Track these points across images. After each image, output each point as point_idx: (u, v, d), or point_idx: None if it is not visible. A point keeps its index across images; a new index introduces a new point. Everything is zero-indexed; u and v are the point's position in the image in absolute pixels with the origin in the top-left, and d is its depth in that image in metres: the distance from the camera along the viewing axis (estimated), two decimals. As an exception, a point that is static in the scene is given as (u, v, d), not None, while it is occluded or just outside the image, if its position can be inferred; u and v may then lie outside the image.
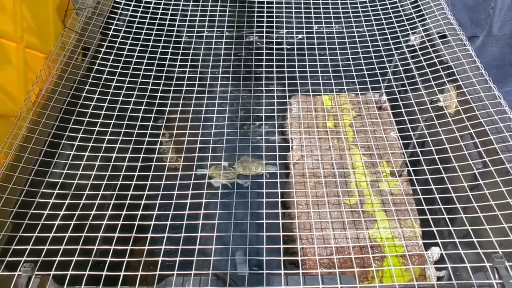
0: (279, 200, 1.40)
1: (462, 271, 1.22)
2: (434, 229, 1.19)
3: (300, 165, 1.81)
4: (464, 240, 1.16)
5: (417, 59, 1.68)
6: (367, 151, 1.82)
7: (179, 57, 1.74)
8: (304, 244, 1.57)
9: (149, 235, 1.17)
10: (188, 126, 1.54)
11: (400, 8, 1.88)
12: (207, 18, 1.97)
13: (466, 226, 1.18)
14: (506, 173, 1.23)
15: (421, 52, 1.71)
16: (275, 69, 1.79)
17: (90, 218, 1.20)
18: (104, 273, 1.06)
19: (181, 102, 1.59)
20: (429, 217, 1.23)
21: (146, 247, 1.13)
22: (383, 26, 1.87)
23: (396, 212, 1.62)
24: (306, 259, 1.54)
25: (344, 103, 2.05)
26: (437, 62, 1.60)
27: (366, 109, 1.96)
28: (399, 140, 1.83)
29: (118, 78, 1.61)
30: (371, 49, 1.80)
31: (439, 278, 1.50)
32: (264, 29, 1.95)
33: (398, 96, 1.64)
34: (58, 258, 1.09)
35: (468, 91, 1.46)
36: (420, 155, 1.42)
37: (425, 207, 1.26)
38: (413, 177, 1.42)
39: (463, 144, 1.36)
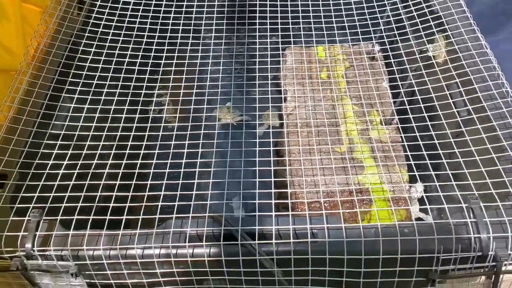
0: (271, 149, 1.47)
1: (445, 213, 1.30)
2: (417, 173, 1.27)
3: (293, 116, 1.86)
4: (446, 183, 1.23)
5: (408, 9, 1.70)
6: (358, 101, 1.87)
7: (173, 9, 1.76)
8: (295, 189, 1.66)
9: (149, 182, 1.24)
10: (184, 79, 1.59)
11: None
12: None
13: (447, 171, 1.24)
14: (488, 120, 1.29)
15: (412, 1, 1.73)
16: (268, 21, 1.82)
17: (92, 167, 1.27)
18: (108, 217, 1.13)
19: (176, 54, 1.63)
20: (412, 162, 1.30)
21: (146, 193, 1.20)
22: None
23: (384, 159, 1.69)
24: (297, 202, 1.62)
25: (337, 54, 2.08)
26: (427, 12, 1.63)
27: (359, 60, 2.00)
28: (389, 90, 1.88)
29: (113, 31, 1.64)
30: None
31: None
32: None
33: (388, 46, 1.68)
34: (63, 204, 1.16)
35: (456, 41, 1.50)
36: (407, 104, 1.47)
37: (409, 153, 1.33)
38: (399, 125, 1.48)
39: (449, 93, 1.42)
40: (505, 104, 1.30)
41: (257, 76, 1.67)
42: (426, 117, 1.38)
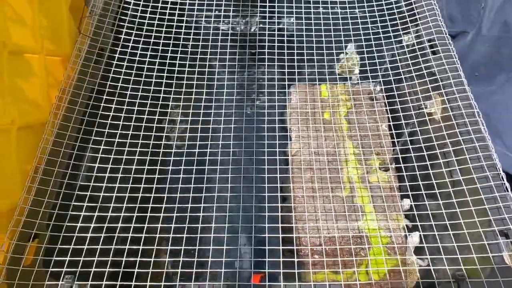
0: (278, 194, 1.61)
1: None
2: (419, 223, 1.41)
3: (297, 158, 1.98)
4: (435, 257, 1.37)
5: (407, 69, 1.81)
6: (359, 144, 1.99)
7: (187, 62, 1.87)
8: (300, 234, 1.79)
9: (168, 247, 1.37)
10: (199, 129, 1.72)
11: (396, 10, 1.98)
12: (213, 13, 2.09)
13: (437, 243, 1.38)
14: (477, 193, 1.41)
15: (410, 55, 1.84)
16: (276, 57, 1.95)
17: (117, 230, 1.40)
18: (133, 283, 1.27)
19: (191, 111, 1.75)
20: (413, 212, 1.43)
21: (167, 259, 1.33)
22: (376, 24, 2.00)
23: (383, 205, 1.82)
24: (301, 248, 1.76)
25: (340, 94, 2.19)
26: (425, 74, 1.74)
27: (360, 100, 2.12)
28: (389, 132, 2.00)
29: (132, 86, 1.75)
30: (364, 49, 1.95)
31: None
32: (267, 20, 2.08)
33: (385, 101, 1.81)
34: (93, 269, 1.30)
35: (451, 106, 1.61)
36: (398, 158, 1.60)
37: (412, 203, 1.46)
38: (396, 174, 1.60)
39: (442, 162, 1.54)
40: (493, 177, 1.42)
41: (265, 113, 1.80)
42: (421, 185, 1.51)
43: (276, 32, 2.04)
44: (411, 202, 1.73)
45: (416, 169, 1.56)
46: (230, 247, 1.40)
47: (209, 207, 1.49)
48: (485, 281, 1.22)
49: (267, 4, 2.11)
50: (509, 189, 1.37)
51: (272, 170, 1.63)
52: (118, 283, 1.27)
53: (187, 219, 1.43)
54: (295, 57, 2.00)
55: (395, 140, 1.86)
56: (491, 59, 2.04)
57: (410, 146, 1.63)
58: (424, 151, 1.57)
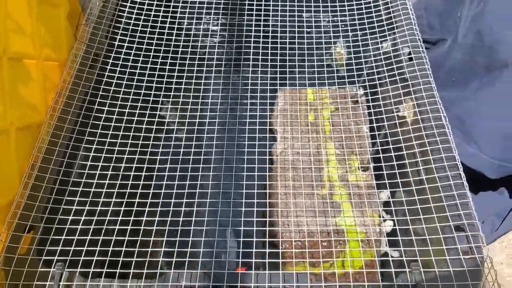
0: (255, 191, 1.73)
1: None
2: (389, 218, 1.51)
3: (282, 158, 2.10)
4: (396, 249, 1.49)
5: (382, 75, 1.92)
6: (340, 145, 2.11)
7: (177, 67, 2.00)
8: (282, 230, 1.91)
9: (152, 238, 1.49)
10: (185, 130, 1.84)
11: (375, 19, 2.09)
12: (203, 21, 2.21)
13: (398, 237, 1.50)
14: (437, 191, 1.52)
15: (386, 61, 1.95)
16: (260, 62, 2.07)
17: (106, 223, 1.52)
18: (118, 270, 1.39)
19: (178, 113, 1.87)
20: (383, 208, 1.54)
21: (150, 249, 1.45)
22: (356, 33, 2.11)
23: (359, 203, 1.93)
24: (280, 240, 1.88)
25: (325, 97, 2.31)
26: (399, 79, 1.85)
27: (343, 103, 2.23)
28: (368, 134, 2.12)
29: (124, 90, 1.88)
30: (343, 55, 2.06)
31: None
32: (253, 26, 2.19)
33: (360, 105, 1.92)
34: (82, 258, 1.42)
35: (420, 111, 1.72)
36: (375, 158, 1.72)
37: (378, 200, 1.58)
38: (371, 173, 1.72)
39: (409, 162, 1.65)
40: (453, 176, 1.53)
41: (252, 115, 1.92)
42: (387, 183, 1.62)
43: (261, 39, 2.15)
44: (389, 194, 1.84)
45: (384, 169, 1.68)
46: (209, 239, 1.53)
47: (191, 203, 1.61)
48: (438, 271, 1.33)
49: (254, 7, 2.23)
50: (467, 188, 1.47)
51: (255, 169, 1.74)
52: (105, 270, 1.39)
53: (170, 213, 1.56)
54: (278, 63, 2.10)
55: (372, 141, 1.98)
56: (465, 65, 2.14)
57: (385, 147, 1.74)
58: (393, 152, 1.69)
